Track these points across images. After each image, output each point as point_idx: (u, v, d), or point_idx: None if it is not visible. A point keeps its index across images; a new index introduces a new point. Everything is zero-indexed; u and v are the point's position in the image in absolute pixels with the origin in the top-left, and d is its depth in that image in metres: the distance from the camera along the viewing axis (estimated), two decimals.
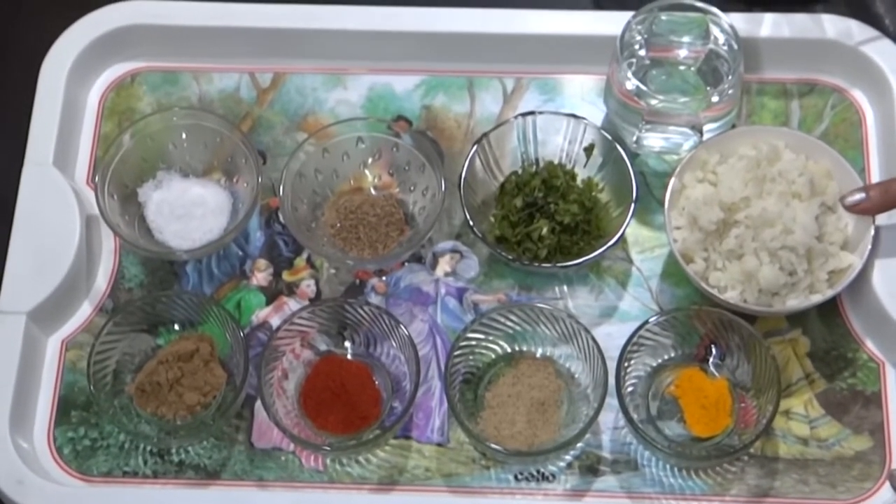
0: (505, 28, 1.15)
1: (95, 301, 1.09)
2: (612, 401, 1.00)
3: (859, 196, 1.02)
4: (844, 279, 1.02)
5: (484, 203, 1.10)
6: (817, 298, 1.02)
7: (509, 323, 1.04)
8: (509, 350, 1.06)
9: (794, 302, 1.02)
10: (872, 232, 1.02)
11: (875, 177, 1.11)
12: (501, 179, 1.11)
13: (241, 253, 1.11)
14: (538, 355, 1.05)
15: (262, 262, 1.11)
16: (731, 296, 1.02)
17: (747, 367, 1.03)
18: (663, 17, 1.09)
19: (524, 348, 1.05)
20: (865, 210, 1.02)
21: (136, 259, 1.11)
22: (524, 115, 1.10)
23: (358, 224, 1.10)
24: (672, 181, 1.06)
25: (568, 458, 1.03)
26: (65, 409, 1.05)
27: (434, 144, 1.13)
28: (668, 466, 1.02)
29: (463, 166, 1.08)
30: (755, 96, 1.15)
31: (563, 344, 1.04)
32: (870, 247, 1.02)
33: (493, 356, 1.05)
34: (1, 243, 1.08)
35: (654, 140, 1.10)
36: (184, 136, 1.12)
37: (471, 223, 1.06)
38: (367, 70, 1.17)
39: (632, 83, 1.06)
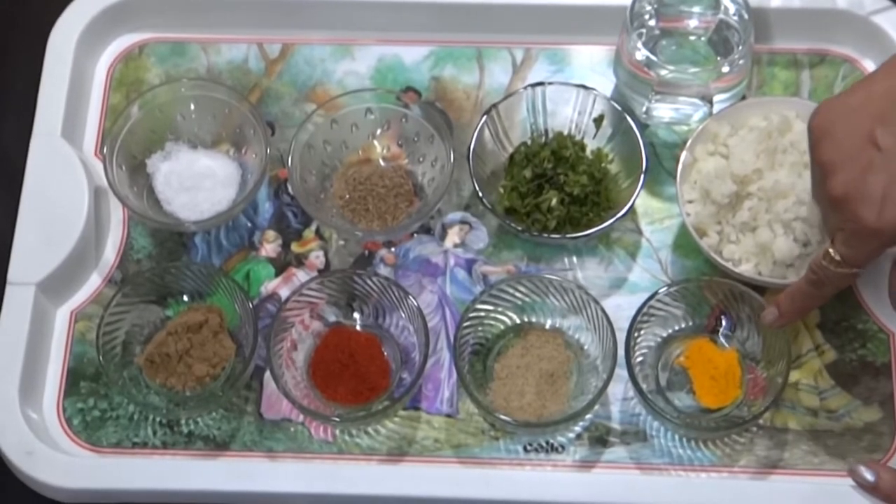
0: None
1: (104, 272, 1.09)
2: (621, 372, 1.00)
3: (772, 316, 0.98)
4: None
5: (493, 174, 1.10)
6: None
7: (518, 294, 1.04)
8: (518, 321, 1.05)
9: None
10: None
11: None
12: (510, 150, 1.10)
13: (249, 224, 1.11)
14: (547, 326, 1.05)
15: (270, 234, 1.11)
16: (745, 269, 1.02)
17: (757, 338, 1.03)
18: None
19: (533, 319, 1.05)
20: (776, 324, 0.99)
21: (145, 230, 1.11)
22: (533, 85, 1.10)
23: (367, 195, 1.10)
24: (683, 155, 1.05)
25: (577, 429, 1.03)
26: (74, 380, 1.06)
27: (443, 115, 1.13)
28: (677, 437, 1.02)
29: (472, 137, 1.08)
30: (766, 67, 1.14)
31: (573, 315, 1.04)
32: None
33: (503, 327, 1.05)
34: (9, 215, 1.08)
35: (663, 111, 1.10)
36: (192, 107, 1.12)
37: (480, 194, 1.06)
38: (376, 41, 1.17)
39: (642, 53, 1.06)
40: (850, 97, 0.87)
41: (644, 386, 1.01)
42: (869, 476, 0.96)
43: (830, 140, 0.87)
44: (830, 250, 0.90)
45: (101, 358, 1.02)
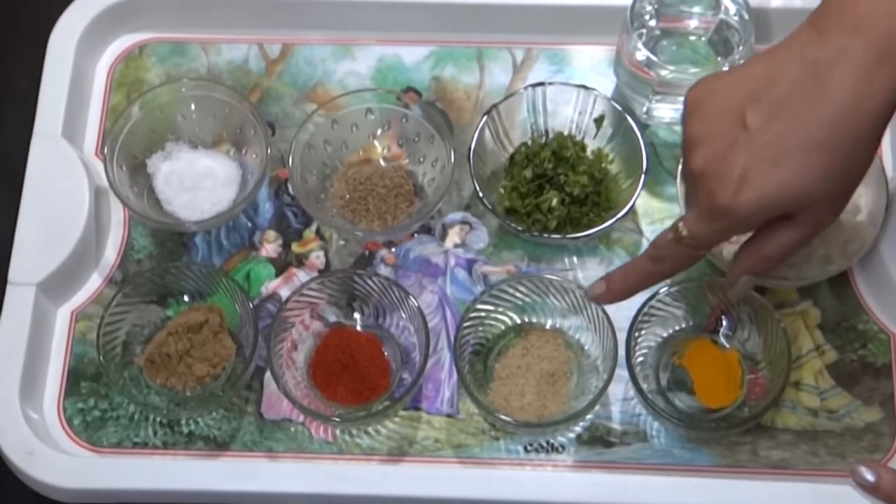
0: None
1: (105, 272, 1.09)
2: (621, 372, 1.00)
3: (599, 289, 0.96)
4: (860, 249, 1.02)
5: (493, 174, 1.10)
6: (833, 269, 1.02)
7: (519, 294, 1.04)
8: (519, 321, 1.05)
9: (810, 273, 1.02)
10: (886, 200, 1.02)
11: (887, 144, 1.10)
12: (511, 151, 1.10)
13: (250, 224, 1.11)
14: (548, 327, 1.05)
15: (271, 234, 1.11)
16: None
17: (758, 338, 1.03)
18: None
19: (534, 320, 1.05)
20: (604, 300, 0.96)
21: (145, 230, 1.11)
22: (534, 85, 1.10)
23: (367, 195, 1.10)
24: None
25: (577, 429, 1.03)
26: (75, 380, 1.06)
27: (443, 115, 1.13)
28: (677, 438, 1.02)
29: (472, 137, 1.08)
30: None
31: (573, 315, 1.04)
32: (884, 215, 1.02)
33: (503, 327, 1.05)
34: (10, 215, 1.08)
35: (664, 111, 1.10)
36: (192, 107, 1.12)
37: (480, 194, 1.06)
38: (376, 41, 1.17)
39: (642, 54, 1.06)
40: (728, 75, 0.86)
41: (644, 386, 1.01)
42: (870, 476, 0.96)
43: (701, 114, 0.86)
44: (679, 225, 0.88)
45: (101, 358, 1.02)
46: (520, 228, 1.06)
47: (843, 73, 0.80)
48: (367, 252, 1.10)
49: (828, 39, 0.81)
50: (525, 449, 1.02)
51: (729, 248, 1.03)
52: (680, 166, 1.04)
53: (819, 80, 0.81)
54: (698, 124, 0.86)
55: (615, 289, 0.94)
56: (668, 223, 1.08)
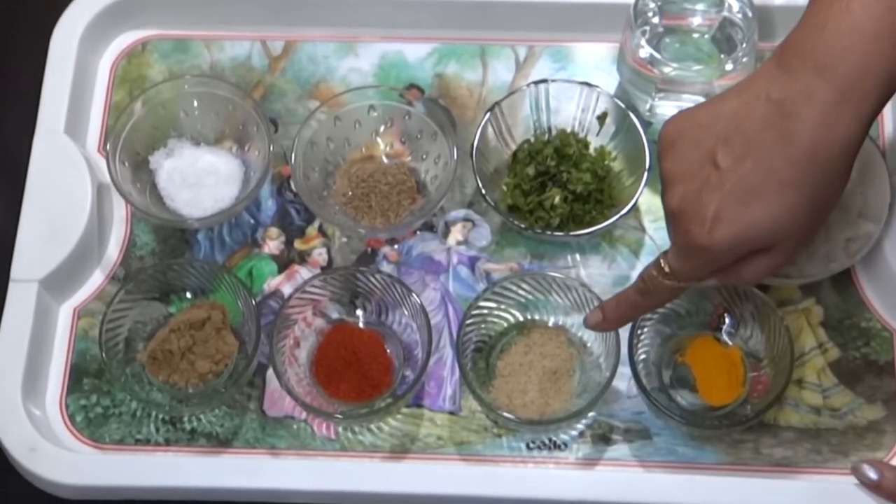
0: None
1: (107, 269, 1.09)
2: (624, 369, 1.00)
3: (596, 319, 0.97)
4: (863, 247, 1.02)
5: (496, 171, 1.10)
6: (836, 267, 1.02)
7: (521, 292, 1.04)
8: (521, 319, 1.05)
9: (813, 271, 1.02)
10: (889, 199, 1.02)
11: (889, 142, 1.10)
12: (514, 148, 1.10)
13: (252, 221, 1.11)
14: (550, 324, 1.05)
15: (273, 231, 1.11)
16: None
17: (760, 336, 1.03)
18: None
19: (536, 317, 1.05)
20: (599, 328, 0.98)
21: (148, 227, 1.11)
22: (537, 83, 1.10)
23: (370, 192, 1.10)
24: None
25: (580, 426, 1.03)
26: (77, 376, 1.06)
27: (446, 113, 1.13)
28: (680, 435, 1.02)
29: (475, 135, 1.07)
30: None
31: (576, 313, 1.04)
32: (887, 213, 1.02)
33: (506, 325, 1.05)
34: (13, 212, 1.08)
35: (667, 108, 1.10)
36: (195, 104, 1.12)
37: (483, 192, 1.06)
38: (379, 38, 1.17)
39: (645, 51, 1.06)
40: (700, 113, 0.88)
41: (647, 384, 1.01)
42: (872, 474, 0.96)
43: (675, 152, 0.87)
44: (661, 261, 0.90)
45: (103, 355, 1.02)
46: (522, 226, 1.06)
47: (808, 113, 0.82)
48: (369, 249, 1.10)
49: (793, 79, 0.82)
50: (527, 446, 1.02)
51: None
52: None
53: (785, 120, 0.82)
54: (673, 163, 0.88)
55: (610, 318, 0.97)
56: None
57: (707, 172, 0.85)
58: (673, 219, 0.88)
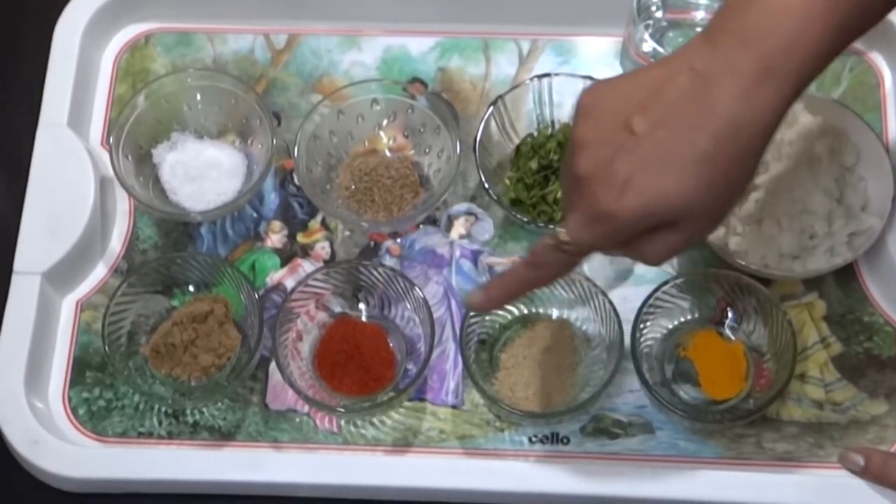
0: None
1: (110, 262, 1.09)
2: (627, 364, 1.00)
3: (477, 297, 0.93)
4: (865, 241, 1.02)
5: (499, 165, 1.10)
6: (839, 261, 1.02)
7: None
8: (525, 312, 1.05)
9: (816, 265, 1.02)
10: (892, 193, 1.02)
11: (892, 135, 1.10)
12: (517, 142, 1.10)
13: (255, 215, 1.11)
14: (554, 317, 1.05)
15: (276, 224, 1.11)
16: (752, 260, 1.02)
17: (763, 330, 1.03)
18: None
19: (540, 310, 1.05)
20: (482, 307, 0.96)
21: (151, 220, 1.11)
22: (540, 77, 1.10)
23: (373, 186, 1.10)
24: None
25: (582, 420, 1.03)
26: (80, 369, 1.06)
27: (449, 106, 1.13)
28: (682, 429, 1.02)
29: (478, 128, 1.07)
30: None
31: (579, 306, 1.04)
32: (890, 207, 1.02)
33: (509, 318, 1.05)
34: (16, 204, 1.08)
35: None
36: (198, 97, 1.12)
37: (486, 185, 1.06)
38: (383, 31, 1.17)
39: (649, 45, 1.06)
40: (620, 81, 0.85)
41: (650, 378, 1.00)
42: (858, 460, 0.96)
43: (590, 119, 0.84)
44: (560, 231, 0.86)
45: (106, 348, 1.02)
46: (525, 220, 1.06)
47: (729, 86, 0.79)
48: (372, 243, 1.10)
49: (717, 51, 0.80)
50: (530, 440, 1.02)
51: (735, 240, 1.03)
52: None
53: (706, 92, 0.80)
54: (586, 129, 0.84)
55: (493, 296, 0.93)
56: None
57: (622, 138, 0.82)
58: (579, 184, 0.84)
